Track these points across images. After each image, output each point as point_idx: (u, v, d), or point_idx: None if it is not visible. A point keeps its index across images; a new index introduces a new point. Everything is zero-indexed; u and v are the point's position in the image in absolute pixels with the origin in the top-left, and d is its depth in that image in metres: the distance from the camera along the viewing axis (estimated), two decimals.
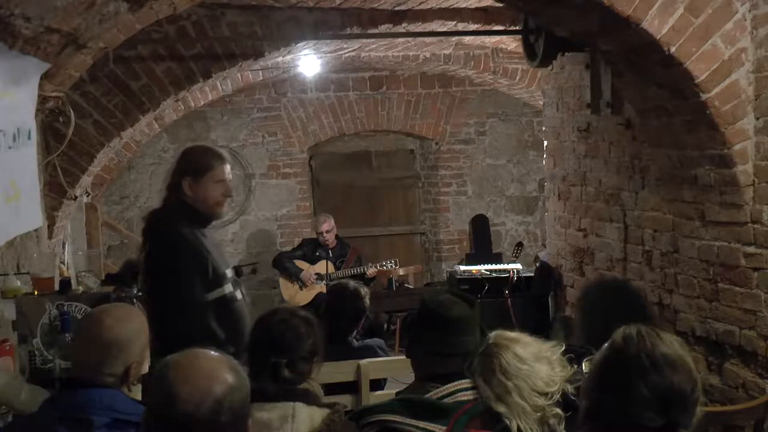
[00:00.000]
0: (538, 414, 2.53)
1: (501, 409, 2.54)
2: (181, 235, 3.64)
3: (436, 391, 2.68)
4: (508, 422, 2.52)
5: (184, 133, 9.31)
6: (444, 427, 2.58)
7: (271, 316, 2.88)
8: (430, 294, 2.97)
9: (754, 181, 3.90)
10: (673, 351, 1.92)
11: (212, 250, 3.71)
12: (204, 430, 1.75)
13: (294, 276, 8.42)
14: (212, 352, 1.87)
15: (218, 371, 1.82)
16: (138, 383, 2.68)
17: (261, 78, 8.48)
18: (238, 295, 3.76)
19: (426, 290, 7.93)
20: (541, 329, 5.56)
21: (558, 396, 2.56)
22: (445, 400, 2.65)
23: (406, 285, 8.53)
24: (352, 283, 4.52)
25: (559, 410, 2.54)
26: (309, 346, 2.81)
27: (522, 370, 2.58)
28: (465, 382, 2.71)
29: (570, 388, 2.57)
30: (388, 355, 4.48)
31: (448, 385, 2.68)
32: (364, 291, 4.43)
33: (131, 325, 2.54)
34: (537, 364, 2.59)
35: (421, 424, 2.58)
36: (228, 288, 3.70)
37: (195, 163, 3.77)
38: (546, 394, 2.55)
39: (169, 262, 3.59)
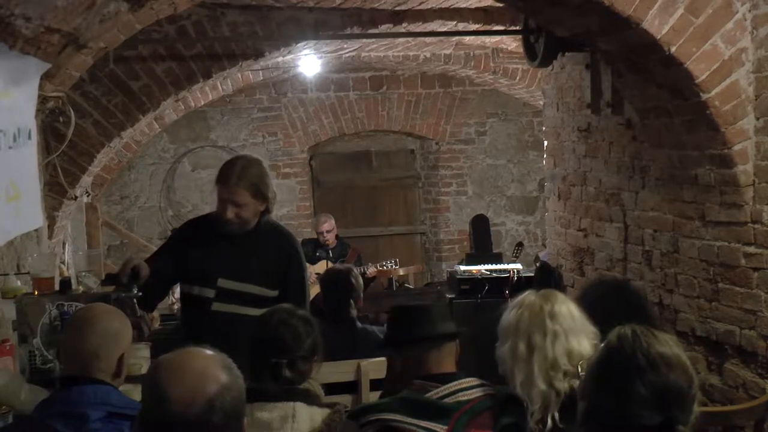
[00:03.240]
0: (555, 373, 2.55)
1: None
2: (184, 226, 4.13)
3: (437, 391, 2.68)
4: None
5: (184, 133, 9.32)
6: (445, 427, 2.58)
7: (270, 316, 2.88)
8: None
9: (754, 181, 3.90)
10: (669, 349, 1.94)
11: (204, 252, 3.80)
12: (196, 431, 1.73)
13: None
14: (206, 351, 1.84)
15: (210, 370, 1.78)
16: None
17: (261, 78, 8.49)
18: (218, 307, 3.77)
19: (426, 290, 7.94)
20: None
21: (567, 383, 2.57)
22: (446, 400, 2.66)
23: (406, 285, 8.53)
24: (342, 266, 4.76)
25: (563, 389, 2.55)
26: (308, 346, 2.81)
27: (569, 322, 2.64)
28: (465, 382, 2.72)
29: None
30: None
31: (449, 385, 2.69)
32: (355, 270, 4.61)
33: (118, 317, 2.66)
34: (580, 333, 2.61)
35: (422, 423, 2.59)
36: (199, 290, 3.80)
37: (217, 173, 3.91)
38: (565, 371, 2.58)
39: None
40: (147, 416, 1.78)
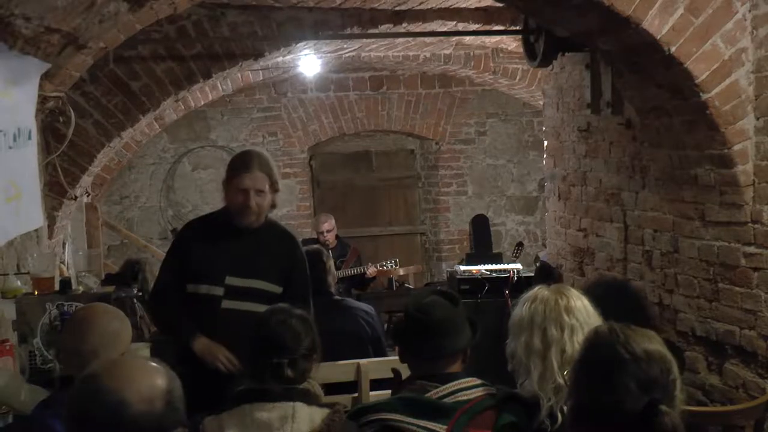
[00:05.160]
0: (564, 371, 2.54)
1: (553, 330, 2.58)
2: (185, 228, 4.00)
3: (436, 391, 2.68)
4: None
5: (184, 133, 9.32)
6: (444, 427, 2.58)
7: (269, 317, 2.88)
8: (413, 299, 2.96)
9: (754, 181, 3.90)
10: (647, 340, 2.00)
11: (210, 250, 3.80)
12: (162, 426, 1.73)
13: None
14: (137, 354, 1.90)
15: (150, 366, 1.81)
16: None
17: (261, 78, 8.49)
18: (228, 304, 3.78)
19: (420, 290, 7.94)
20: None
21: None
22: (445, 400, 2.66)
23: (406, 285, 8.53)
24: (313, 247, 5.08)
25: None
26: (308, 344, 2.81)
27: (584, 316, 2.63)
28: (465, 382, 2.71)
29: None
30: (372, 320, 4.74)
31: (448, 385, 2.68)
32: (325, 251, 4.96)
33: (117, 317, 2.67)
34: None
35: (422, 423, 2.58)
36: (207, 289, 3.78)
37: (228, 168, 3.87)
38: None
39: None
40: (107, 425, 1.73)
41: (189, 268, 3.82)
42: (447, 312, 2.81)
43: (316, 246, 5.09)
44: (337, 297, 4.83)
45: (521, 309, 2.72)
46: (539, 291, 2.74)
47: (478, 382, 2.75)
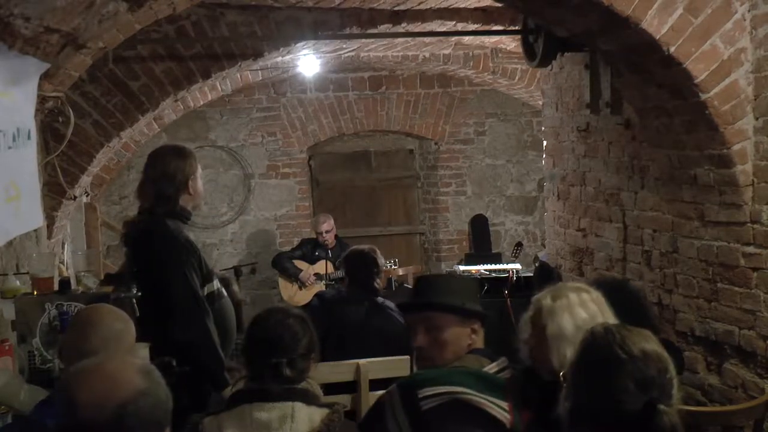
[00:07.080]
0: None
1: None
2: (178, 233, 3.76)
3: (490, 366, 2.70)
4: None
5: (183, 133, 9.31)
6: (506, 404, 2.57)
7: (267, 317, 2.88)
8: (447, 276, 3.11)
9: (753, 181, 3.90)
10: (643, 339, 2.01)
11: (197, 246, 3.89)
12: None
13: (293, 276, 8.42)
14: (124, 357, 1.85)
15: (123, 374, 1.75)
16: None
17: (260, 78, 8.49)
18: (224, 292, 3.86)
19: None
20: None
21: None
22: (499, 375, 2.68)
23: (405, 285, 8.52)
24: (365, 246, 5.12)
25: None
26: (306, 344, 2.82)
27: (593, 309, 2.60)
28: (504, 360, 2.76)
29: None
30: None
31: (499, 361, 2.73)
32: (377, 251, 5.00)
33: (121, 317, 2.69)
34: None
35: (488, 397, 2.57)
36: (216, 284, 3.83)
37: (192, 162, 3.90)
38: None
39: (170, 262, 3.69)
40: (60, 424, 1.76)
41: (203, 272, 3.78)
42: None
43: (369, 246, 5.09)
44: (380, 300, 4.82)
45: (545, 299, 2.62)
46: (560, 286, 2.72)
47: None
